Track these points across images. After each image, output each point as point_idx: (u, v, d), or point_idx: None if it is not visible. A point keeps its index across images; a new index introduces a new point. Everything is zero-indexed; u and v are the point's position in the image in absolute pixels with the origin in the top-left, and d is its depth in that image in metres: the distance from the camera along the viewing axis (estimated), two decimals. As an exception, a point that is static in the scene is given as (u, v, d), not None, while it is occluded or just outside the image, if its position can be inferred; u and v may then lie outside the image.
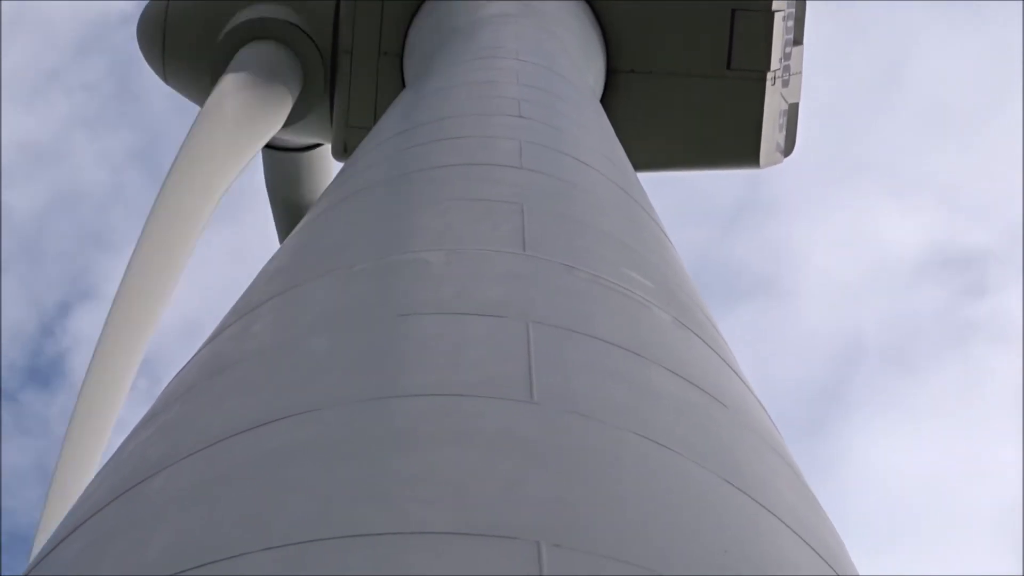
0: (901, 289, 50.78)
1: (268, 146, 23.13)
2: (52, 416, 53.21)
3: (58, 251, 53.71)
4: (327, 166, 24.15)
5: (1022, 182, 48.24)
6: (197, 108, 23.77)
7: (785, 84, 22.33)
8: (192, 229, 19.08)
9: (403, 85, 21.09)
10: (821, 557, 6.04)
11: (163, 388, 7.95)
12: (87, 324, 53.40)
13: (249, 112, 21.07)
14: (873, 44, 49.86)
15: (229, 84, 21.35)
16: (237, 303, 9.08)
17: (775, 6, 21.84)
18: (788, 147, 22.75)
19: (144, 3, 24.07)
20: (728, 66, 21.96)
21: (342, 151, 22.49)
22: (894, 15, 48.49)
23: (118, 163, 52.34)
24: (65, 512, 7.10)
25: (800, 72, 22.48)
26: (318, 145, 24.02)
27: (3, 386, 52.14)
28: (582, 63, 19.42)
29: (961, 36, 51.00)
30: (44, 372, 55.62)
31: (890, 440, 49.98)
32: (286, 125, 22.43)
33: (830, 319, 51.26)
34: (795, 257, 51.97)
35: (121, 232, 54.03)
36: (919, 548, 48.62)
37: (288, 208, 24.09)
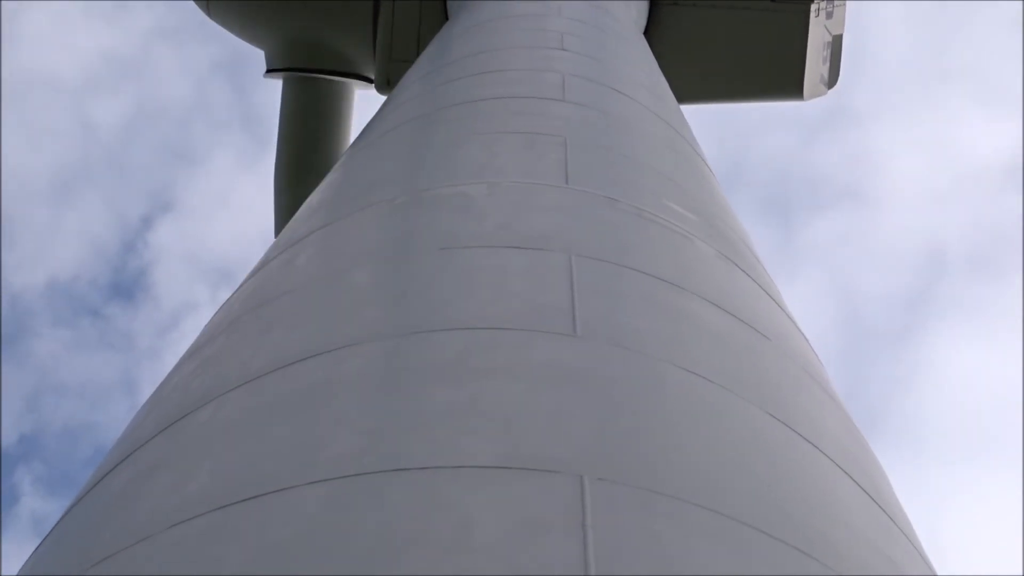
0: (987, 197, 50.65)
1: (303, 70, 23.30)
2: (135, 330, 53.80)
3: (141, 164, 54.01)
4: (348, 106, 24.13)
5: None
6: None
7: (829, 16, 22.15)
8: None
9: (446, 18, 21.03)
10: (864, 490, 6.03)
11: (207, 321, 7.97)
12: (169, 237, 53.86)
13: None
14: None
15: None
16: (280, 237, 9.09)
17: (819, -63, 21.69)
18: (832, 79, 22.61)
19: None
20: (772, -2, 21.83)
21: (385, 84, 22.52)
22: None
23: (201, 76, 52.48)
24: None
25: (844, 3, 22.30)
26: (351, 76, 23.92)
27: (85, 301, 52.67)
28: (625, -5, 19.33)
29: None
30: (127, 286, 56.15)
31: (975, 348, 50.15)
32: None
33: (915, 227, 51.21)
34: (880, 165, 51.81)
35: (203, 145, 54.37)
36: (1000, 458, 48.83)
37: (295, 144, 24.00)
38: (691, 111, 21.65)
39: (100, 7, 53.68)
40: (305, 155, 23.20)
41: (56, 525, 6.11)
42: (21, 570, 5.81)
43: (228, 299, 8.16)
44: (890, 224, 51.58)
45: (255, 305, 7.46)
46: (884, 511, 6.03)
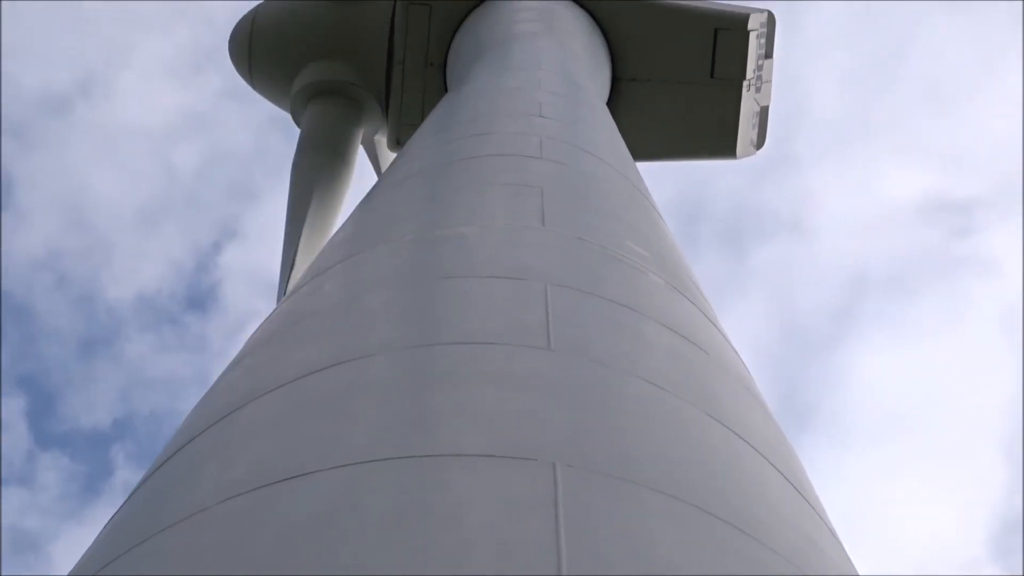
0: (902, 230, 51.12)
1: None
2: (208, 334, 54.47)
3: (211, 200, 54.59)
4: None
5: (1003, 144, 49.33)
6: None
7: (758, 90, 22.22)
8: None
9: (445, 90, 21.04)
10: (786, 478, 6.04)
11: (249, 335, 7.96)
12: (235, 259, 54.72)
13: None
14: (882, 26, 50.47)
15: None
16: (310, 267, 9.09)
17: (750, 27, 21.76)
18: (760, 141, 22.66)
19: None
20: (712, 75, 21.88)
21: (395, 144, 22.51)
22: (900, 3, 49.27)
23: (261, 128, 52.94)
24: None
25: (770, 80, 22.36)
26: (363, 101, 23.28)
27: (167, 311, 53.30)
28: (592, 72, 19.35)
29: (955, 20, 51.63)
30: (201, 299, 56.88)
31: (892, 355, 50.72)
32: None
33: (843, 254, 51.61)
34: (815, 203, 52.23)
35: (262, 185, 54.97)
36: (915, 445, 49.36)
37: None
38: (648, 165, 21.70)
39: (179, 71, 54.38)
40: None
41: (128, 499, 6.10)
42: (100, 533, 5.81)
43: (267, 318, 8.15)
44: (822, 251, 52.03)
45: (289, 323, 7.45)
46: (802, 495, 6.04)
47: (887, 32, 52.19)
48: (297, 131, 23.16)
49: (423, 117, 18.01)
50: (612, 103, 21.15)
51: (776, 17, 22.24)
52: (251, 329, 8.13)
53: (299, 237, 21.16)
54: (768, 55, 22.26)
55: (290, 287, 19.05)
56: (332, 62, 22.62)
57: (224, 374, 7.28)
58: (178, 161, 55.28)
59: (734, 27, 21.70)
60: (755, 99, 22.23)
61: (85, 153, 54.16)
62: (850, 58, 51.73)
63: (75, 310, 52.98)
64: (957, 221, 51.79)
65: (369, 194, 11.57)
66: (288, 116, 23.63)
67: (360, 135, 22.92)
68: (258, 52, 23.25)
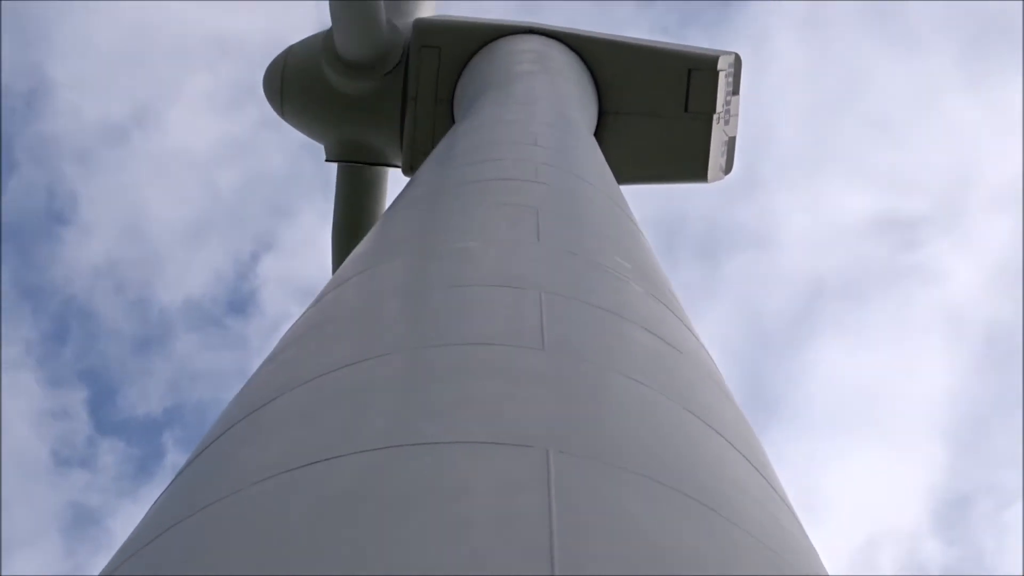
0: (855, 244, 51.58)
1: (351, 161, 23.24)
2: (247, 335, 55.06)
3: (251, 216, 55.09)
4: (384, 188, 23.92)
5: (943, 168, 49.96)
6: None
7: (726, 123, 22.25)
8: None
9: (452, 122, 21.06)
10: (751, 464, 6.03)
11: (281, 336, 7.95)
12: (271, 269, 55.48)
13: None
14: (838, 66, 51.24)
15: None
16: (333, 277, 9.09)
17: (719, 67, 21.83)
18: (728, 167, 22.69)
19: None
20: (685, 109, 21.93)
21: (409, 169, 22.53)
22: (853, 46, 49.88)
23: (294, 153, 53.45)
24: None
25: (737, 114, 22.38)
26: (384, 165, 23.67)
27: (211, 314, 53.71)
28: (581, 106, 19.38)
29: (901, 61, 52.34)
30: (241, 303, 57.55)
31: (846, 354, 51.30)
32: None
33: (803, 265, 52.08)
34: (778, 220, 52.70)
35: (296, 203, 55.43)
36: (866, 433, 49.82)
37: (347, 214, 23.55)
38: (631, 188, 21.72)
39: (222, 104, 54.95)
40: (352, 221, 23.15)
41: (173, 480, 6.09)
42: (148, 510, 5.79)
43: (296, 321, 8.14)
44: (785, 262, 52.42)
45: (315, 326, 7.44)
46: (765, 478, 6.04)
47: (842, 71, 52.68)
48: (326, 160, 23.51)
49: (433, 145, 18.02)
50: (599, 133, 21.19)
51: (742, 59, 22.28)
52: (284, 330, 8.12)
53: None
54: (735, 92, 22.30)
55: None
56: (357, 126, 22.84)
57: (260, 369, 7.27)
58: (221, 182, 55.65)
59: (705, 68, 21.78)
60: (724, 130, 22.27)
61: (140, 175, 54.59)
62: (809, 93, 52.18)
63: (131, 312, 53.35)
64: (903, 236, 52.13)
65: (386, 213, 11.57)
66: (316, 142, 23.85)
67: (386, 190, 23.29)
68: (288, 91, 23.28)
